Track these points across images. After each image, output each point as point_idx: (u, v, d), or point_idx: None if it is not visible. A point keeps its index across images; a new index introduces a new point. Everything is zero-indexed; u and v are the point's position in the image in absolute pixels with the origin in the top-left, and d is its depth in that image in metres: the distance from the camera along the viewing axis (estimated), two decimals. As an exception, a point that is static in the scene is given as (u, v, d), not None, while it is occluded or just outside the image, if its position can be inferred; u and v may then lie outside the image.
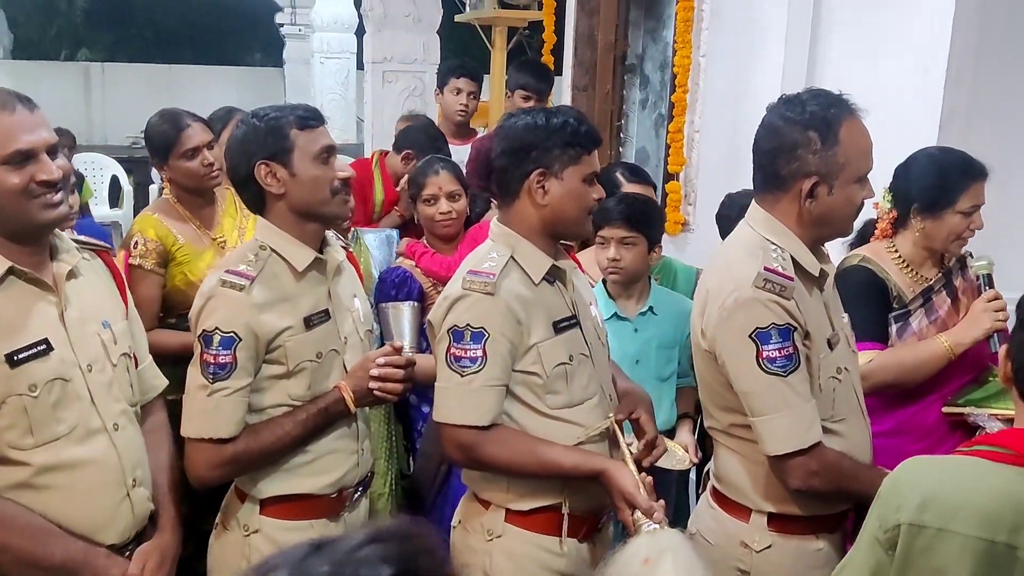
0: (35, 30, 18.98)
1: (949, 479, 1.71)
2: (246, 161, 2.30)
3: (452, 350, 2.24)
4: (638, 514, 2.08)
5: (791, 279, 2.14)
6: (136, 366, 2.31)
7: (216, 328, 2.21)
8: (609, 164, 3.45)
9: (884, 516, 1.72)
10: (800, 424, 2.13)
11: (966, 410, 2.75)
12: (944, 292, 2.86)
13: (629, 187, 3.26)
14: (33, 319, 2.03)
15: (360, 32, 11.16)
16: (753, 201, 2.31)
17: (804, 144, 2.15)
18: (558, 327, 2.31)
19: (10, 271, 2.01)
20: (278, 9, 14.57)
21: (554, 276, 2.35)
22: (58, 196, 2.02)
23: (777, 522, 2.27)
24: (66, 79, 16.48)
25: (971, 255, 2.88)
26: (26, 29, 18.71)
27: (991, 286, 2.76)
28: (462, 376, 2.22)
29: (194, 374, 2.25)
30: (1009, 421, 2.56)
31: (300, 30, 14.31)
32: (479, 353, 2.21)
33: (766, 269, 2.13)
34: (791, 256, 2.20)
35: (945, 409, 2.78)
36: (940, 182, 2.79)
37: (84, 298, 2.15)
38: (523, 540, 2.33)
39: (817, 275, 2.25)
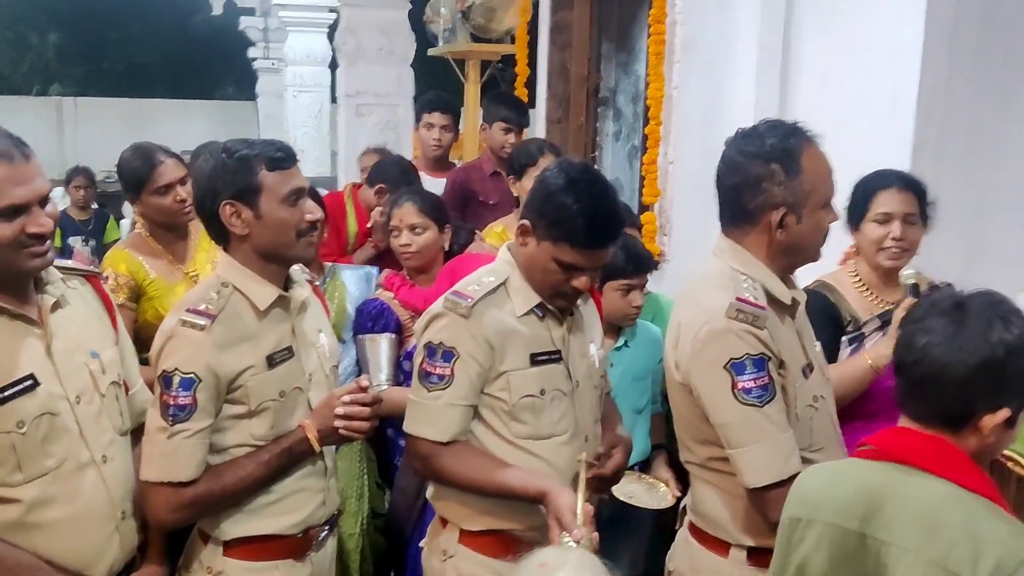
0: (7, 65, 18.95)
1: (823, 476, 1.85)
2: (212, 197, 2.26)
3: (424, 365, 2.32)
4: (564, 535, 2.03)
5: (763, 308, 2.13)
6: (127, 392, 2.29)
7: (176, 369, 2.17)
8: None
9: (781, 517, 1.85)
10: (779, 455, 2.11)
11: None
12: None
13: None
14: (18, 355, 2.01)
15: (333, 66, 11.19)
16: (720, 233, 2.30)
17: (768, 177, 2.14)
18: (536, 359, 2.32)
19: None
20: (251, 43, 14.60)
21: (544, 311, 2.36)
22: (46, 245, 2.02)
23: (756, 556, 2.23)
24: (38, 114, 16.41)
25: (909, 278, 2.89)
26: (-3, 64, 18.71)
27: (916, 296, 2.74)
28: (428, 391, 2.30)
29: (153, 415, 2.21)
30: None
31: (273, 64, 14.33)
32: (447, 372, 2.27)
33: (738, 299, 2.12)
34: (762, 286, 2.19)
35: None
36: (852, 195, 2.88)
37: (71, 329, 2.13)
38: (473, 561, 2.35)
39: (789, 303, 2.24)
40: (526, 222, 2.30)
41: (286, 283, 2.37)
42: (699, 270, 2.34)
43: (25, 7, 17.67)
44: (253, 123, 15.56)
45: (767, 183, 2.14)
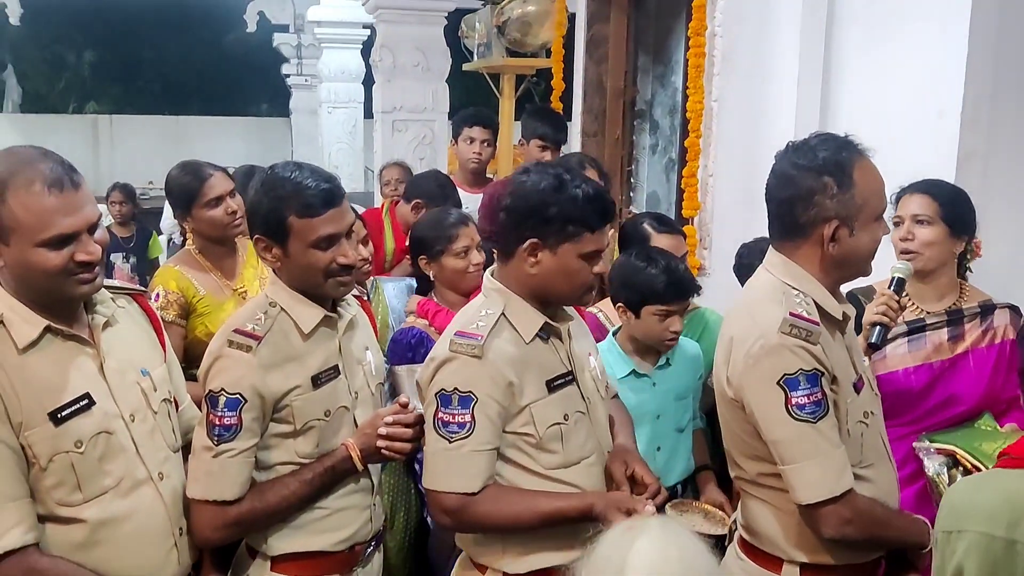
0: (44, 84, 19.22)
1: (968, 488, 1.86)
2: (251, 227, 2.33)
3: (440, 415, 2.18)
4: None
5: (817, 324, 2.12)
6: (176, 408, 2.31)
7: (222, 389, 2.19)
8: (635, 216, 3.43)
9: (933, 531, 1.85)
10: (832, 471, 2.09)
11: (918, 444, 2.77)
12: (944, 330, 2.87)
13: (659, 238, 3.20)
14: (73, 375, 2.03)
15: (366, 82, 11.27)
16: (771, 247, 2.29)
17: (821, 190, 2.14)
18: (552, 386, 2.26)
19: (47, 330, 2.01)
20: (284, 60, 14.73)
21: (548, 333, 2.29)
22: (95, 272, 2.03)
23: (810, 572, 2.22)
24: (74, 132, 16.63)
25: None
26: (35, 83, 18.97)
27: (899, 291, 2.72)
28: (450, 442, 2.17)
29: (200, 434, 2.23)
30: (951, 455, 2.67)
31: (307, 80, 14.47)
32: (467, 418, 2.16)
33: (792, 315, 2.10)
34: (814, 300, 2.17)
35: (914, 444, 2.78)
36: None
37: (122, 347, 2.15)
38: None
39: (840, 318, 2.23)
40: (533, 241, 2.19)
41: (333, 303, 2.38)
42: (750, 284, 2.33)
43: (61, 26, 17.93)
44: (287, 139, 15.70)
45: (819, 196, 2.14)
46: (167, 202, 3.40)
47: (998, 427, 2.81)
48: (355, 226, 2.36)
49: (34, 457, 1.96)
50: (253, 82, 19.04)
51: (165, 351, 2.34)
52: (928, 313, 2.91)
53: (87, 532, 2.01)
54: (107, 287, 2.21)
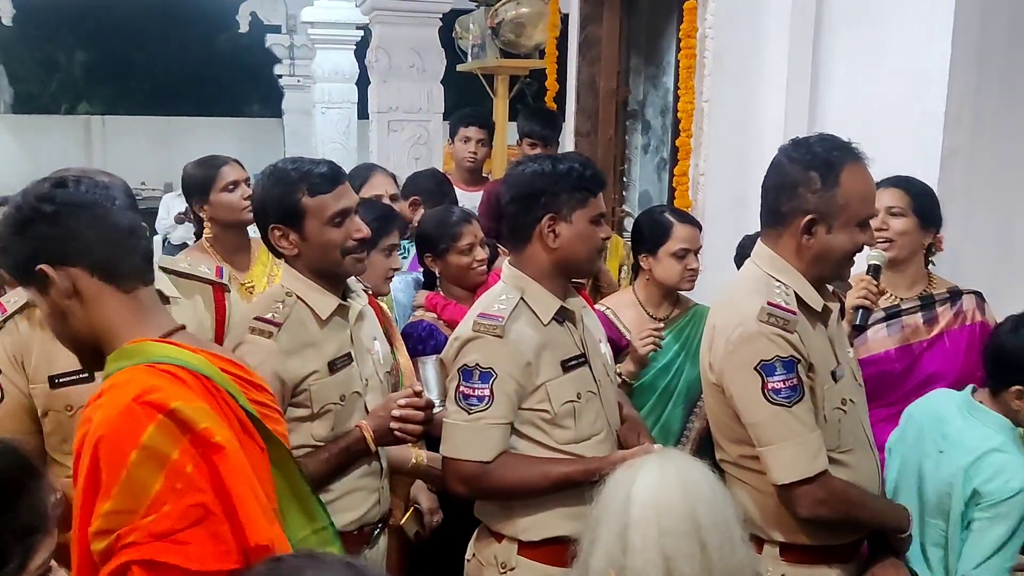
0: (36, 84, 19.21)
1: None
2: (263, 219, 2.41)
3: (461, 388, 2.36)
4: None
5: (794, 313, 2.22)
6: None
7: None
8: (651, 208, 3.53)
9: None
10: (806, 453, 2.19)
11: None
12: (919, 314, 3.00)
13: (681, 227, 3.26)
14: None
15: (360, 82, 11.32)
16: (759, 240, 2.39)
17: (804, 183, 2.24)
18: (566, 366, 2.40)
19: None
20: (277, 61, 14.75)
21: (563, 316, 2.44)
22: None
23: (790, 552, 2.32)
24: (66, 133, 16.68)
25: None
26: (27, 84, 18.95)
27: (876, 277, 2.80)
28: (470, 413, 2.34)
29: None
30: None
31: (299, 81, 14.49)
32: (487, 392, 2.32)
33: (769, 304, 2.21)
34: (795, 292, 2.27)
35: None
36: None
37: None
38: (536, 572, 2.39)
39: (820, 310, 2.32)
40: (551, 216, 2.37)
41: (344, 293, 2.48)
42: (737, 275, 2.44)
43: (53, 27, 17.93)
44: (279, 140, 15.72)
45: (802, 188, 2.24)
46: (162, 202, 3.53)
47: None
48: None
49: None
50: (245, 83, 19.06)
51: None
52: (902, 300, 3.04)
53: None
54: (188, 275, 2.53)
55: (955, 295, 3.04)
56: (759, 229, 2.43)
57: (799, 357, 2.21)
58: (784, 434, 2.19)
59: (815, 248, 2.26)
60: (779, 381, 2.18)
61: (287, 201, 2.35)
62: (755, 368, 2.20)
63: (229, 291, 2.67)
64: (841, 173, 2.22)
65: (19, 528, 1.28)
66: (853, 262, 2.37)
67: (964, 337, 2.99)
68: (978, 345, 2.96)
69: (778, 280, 2.29)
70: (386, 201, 3.56)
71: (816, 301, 2.30)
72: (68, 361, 2.08)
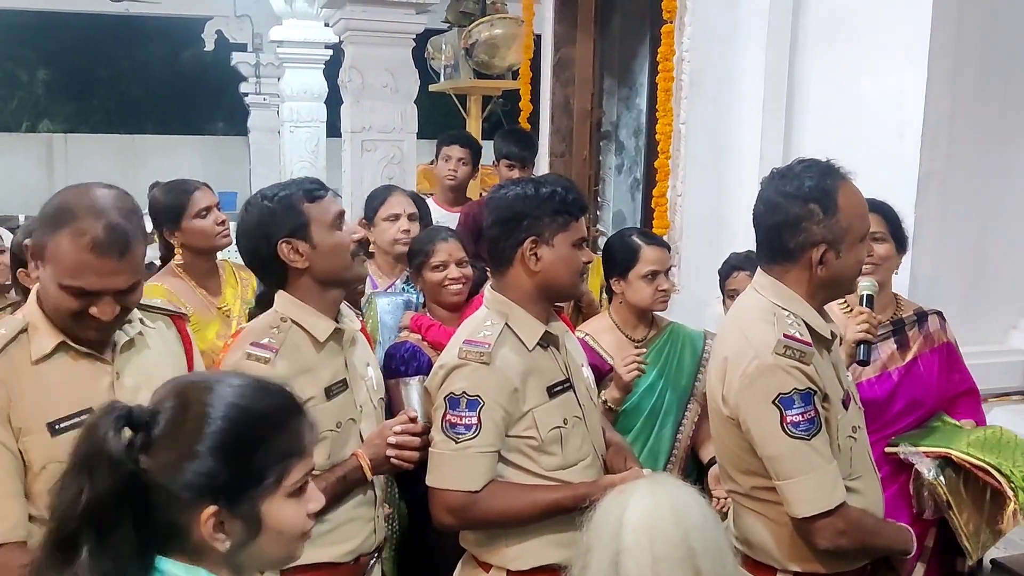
0: (-5, 102, 18.98)
1: None
2: (267, 242, 2.37)
3: (448, 417, 2.32)
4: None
5: (810, 344, 2.21)
6: None
7: None
8: (620, 231, 3.54)
9: None
10: (826, 485, 2.19)
11: (899, 449, 2.89)
12: (891, 339, 3.02)
13: (649, 249, 3.26)
14: (82, 389, 2.06)
15: (328, 101, 11.30)
16: (759, 270, 2.39)
17: (807, 216, 2.23)
18: (552, 391, 2.39)
19: (61, 344, 2.06)
20: (242, 79, 14.67)
21: (547, 341, 2.43)
22: (108, 325, 2.07)
23: None
24: (28, 151, 16.44)
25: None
26: (-13, 101, 18.71)
27: (870, 307, 2.83)
28: (457, 443, 2.31)
29: None
30: (939, 458, 2.79)
31: (265, 99, 14.41)
32: (474, 420, 2.29)
33: (786, 336, 2.20)
34: (804, 321, 2.27)
35: (886, 449, 2.91)
36: None
37: (142, 366, 2.18)
38: None
39: (829, 337, 2.32)
40: (532, 239, 2.37)
41: (337, 317, 2.46)
42: (739, 304, 2.43)
43: (14, 44, 17.71)
44: (244, 158, 15.59)
45: (807, 223, 2.23)
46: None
47: (956, 423, 3.00)
48: None
49: (28, 463, 2.01)
50: (210, 101, 18.94)
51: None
52: (882, 321, 3.04)
53: None
54: (148, 307, 2.29)
55: (921, 317, 3.07)
56: (755, 259, 2.44)
57: (816, 388, 2.20)
58: (804, 467, 2.18)
59: (828, 275, 2.26)
60: (798, 414, 2.17)
61: (291, 212, 2.35)
62: (773, 402, 2.18)
63: (189, 320, 2.59)
64: (838, 197, 2.23)
65: (278, 452, 1.45)
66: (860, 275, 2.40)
67: (935, 360, 3.04)
68: (947, 367, 3.03)
69: (786, 310, 2.27)
70: (404, 220, 3.68)
71: (824, 329, 2.30)
72: (69, 402, 2.04)
